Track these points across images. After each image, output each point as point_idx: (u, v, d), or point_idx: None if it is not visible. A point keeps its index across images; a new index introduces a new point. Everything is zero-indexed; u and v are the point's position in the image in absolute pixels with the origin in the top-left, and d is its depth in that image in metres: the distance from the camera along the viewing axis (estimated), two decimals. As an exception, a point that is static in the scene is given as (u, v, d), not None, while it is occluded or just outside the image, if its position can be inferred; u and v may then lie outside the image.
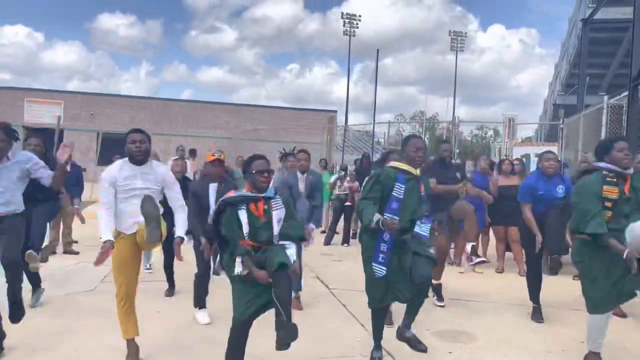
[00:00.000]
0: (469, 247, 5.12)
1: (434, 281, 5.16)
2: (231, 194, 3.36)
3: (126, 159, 3.68)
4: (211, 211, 4.49)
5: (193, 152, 11.81)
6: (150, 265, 6.34)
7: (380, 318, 3.89)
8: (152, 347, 3.89)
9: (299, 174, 5.36)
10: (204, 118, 28.76)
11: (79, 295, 5.30)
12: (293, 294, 4.65)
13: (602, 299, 3.68)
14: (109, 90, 69.28)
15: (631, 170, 3.68)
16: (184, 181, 5.39)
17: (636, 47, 8.63)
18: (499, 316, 5.11)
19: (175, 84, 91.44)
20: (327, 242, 9.24)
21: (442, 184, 5.07)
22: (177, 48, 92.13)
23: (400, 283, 3.61)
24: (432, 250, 3.98)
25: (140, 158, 3.64)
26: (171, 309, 4.97)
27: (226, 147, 24.93)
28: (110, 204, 3.59)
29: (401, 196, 3.59)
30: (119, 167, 3.64)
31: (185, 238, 3.80)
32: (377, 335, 3.90)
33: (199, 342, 4.14)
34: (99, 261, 3.46)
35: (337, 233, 9.56)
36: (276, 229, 3.29)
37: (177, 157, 7.97)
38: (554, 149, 11.85)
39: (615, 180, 3.63)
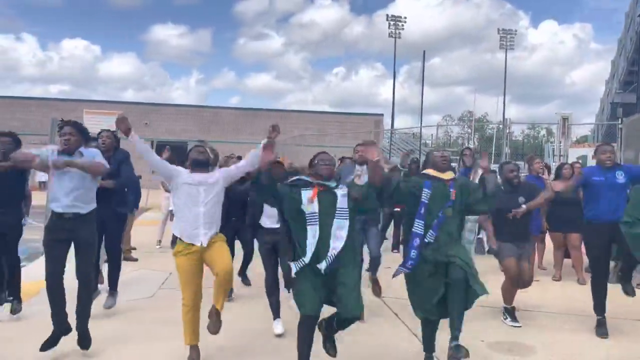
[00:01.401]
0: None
1: (506, 305, 5.09)
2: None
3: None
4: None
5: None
6: None
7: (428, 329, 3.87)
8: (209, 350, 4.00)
9: (356, 166, 5.25)
10: (251, 124, 29.24)
11: (139, 301, 5.49)
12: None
13: None
14: (161, 100, 71.77)
15: None
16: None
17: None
18: (558, 327, 4.94)
19: (224, 91, 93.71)
20: (377, 248, 9.19)
21: (506, 211, 4.88)
22: (226, 56, 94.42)
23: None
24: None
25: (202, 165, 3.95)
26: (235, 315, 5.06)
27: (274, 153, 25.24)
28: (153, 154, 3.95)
29: (427, 201, 3.71)
30: (187, 172, 3.95)
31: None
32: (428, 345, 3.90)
33: (261, 350, 4.23)
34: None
35: (387, 239, 9.49)
36: (340, 201, 3.52)
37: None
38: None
39: None
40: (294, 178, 3.69)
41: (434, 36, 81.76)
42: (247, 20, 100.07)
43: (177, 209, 3.98)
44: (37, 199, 4.62)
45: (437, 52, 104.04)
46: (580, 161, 10.39)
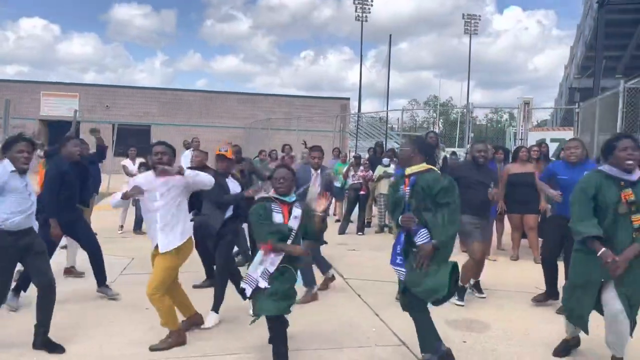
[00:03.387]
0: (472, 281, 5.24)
1: (472, 280, 5.27)
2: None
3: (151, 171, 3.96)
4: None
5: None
6: None
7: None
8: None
9: (312, 171, 5.45)
10: (218, 108, 28.83)
11: (100, 287, 5.41)
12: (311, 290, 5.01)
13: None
14: (124, 82, 69.91)
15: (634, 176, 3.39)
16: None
17: (654, 30, 8.43)
18: (514, 305, 5.11)
19: (190, 73, 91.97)
20: (342, 231, 9.29)
21: (471, 188, 4.91)
22: (192, 37, 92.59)
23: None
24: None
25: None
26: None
27: (241, 137, 25.01)
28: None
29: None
30: (148, 177, 3.92)
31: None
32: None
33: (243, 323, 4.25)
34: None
35: (352, 222, 9.61)
36: (294, 223, 3.48)
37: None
38: (570, 133, 11.70)
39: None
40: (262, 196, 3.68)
41: (401, 20, 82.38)
42: (214, 1, 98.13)
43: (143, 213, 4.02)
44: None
45: (405, 36, 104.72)
46: (539, 145, 10.65)
